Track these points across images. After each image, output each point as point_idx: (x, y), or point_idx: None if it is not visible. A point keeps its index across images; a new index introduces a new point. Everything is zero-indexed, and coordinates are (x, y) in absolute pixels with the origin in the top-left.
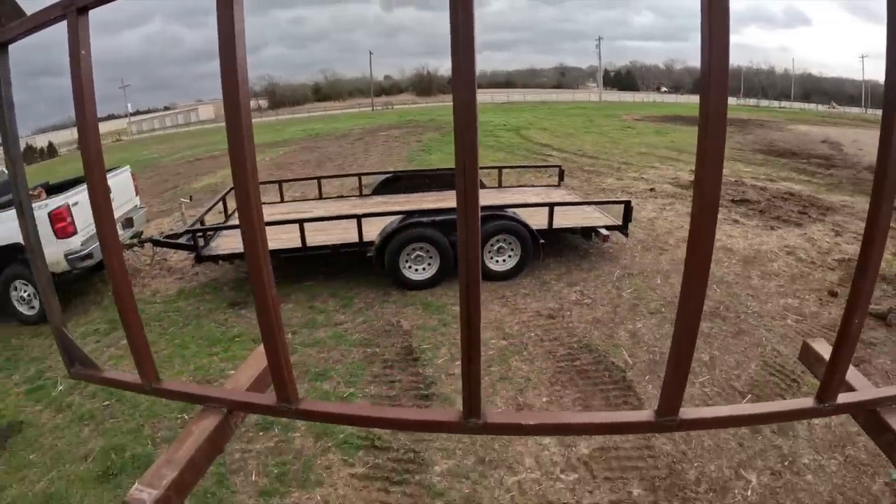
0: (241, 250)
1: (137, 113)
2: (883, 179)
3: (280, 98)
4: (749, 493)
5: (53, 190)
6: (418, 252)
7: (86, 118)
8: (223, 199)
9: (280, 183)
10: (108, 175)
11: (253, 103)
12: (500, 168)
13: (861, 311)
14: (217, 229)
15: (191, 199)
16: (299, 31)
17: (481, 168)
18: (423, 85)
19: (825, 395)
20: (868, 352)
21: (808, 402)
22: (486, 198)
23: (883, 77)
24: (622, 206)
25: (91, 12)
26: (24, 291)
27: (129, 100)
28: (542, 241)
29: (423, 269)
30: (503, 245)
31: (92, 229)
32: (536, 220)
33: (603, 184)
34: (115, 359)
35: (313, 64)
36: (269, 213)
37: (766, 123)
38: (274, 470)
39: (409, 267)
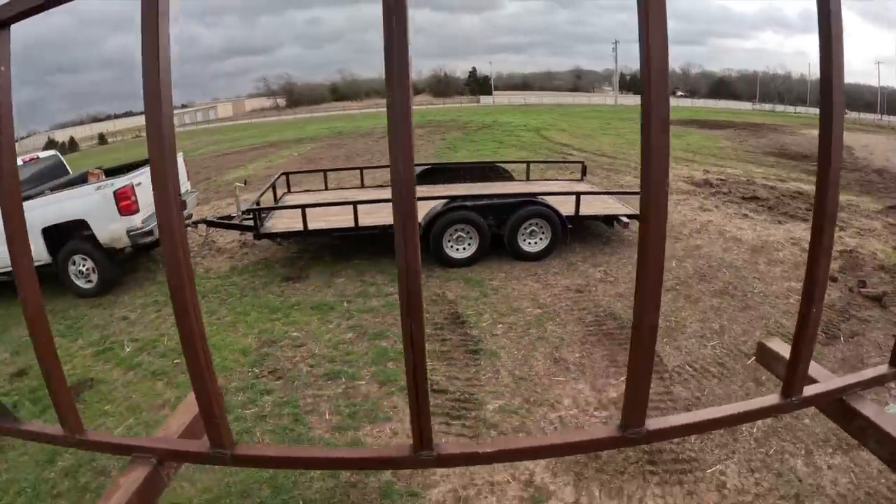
0: (297, 228)
1: None
2: (827, 169)
3: (298, 97)
4: (755, 430)
5: (110, 173)
6: (460, 233)
7: (1, 137)
8: (273, 185)
9: (325, 172)
10: None
11: (270, 102)
12: (527, 163)
13: (818, 301)
14: (273, 209)
15: (245, 184)
16: (315, 32)
17: (511, 162)
18: (441, 86)
19: (791, 390)
20: (863, 327)
21: (773, 398)
22: (518, 187)
23: None
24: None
25: (95, 15)
26: (83, 265)
27: None
28: (570, 226)
29: (464, 248)
30: (535, 229)
31: (152, 208)
32: (564, 209)
33: (622, 181)
34: None
35: (329, 64)
36: (317, 198)
37: (780, 128)
38: (345, 410)
39: (452, 246)
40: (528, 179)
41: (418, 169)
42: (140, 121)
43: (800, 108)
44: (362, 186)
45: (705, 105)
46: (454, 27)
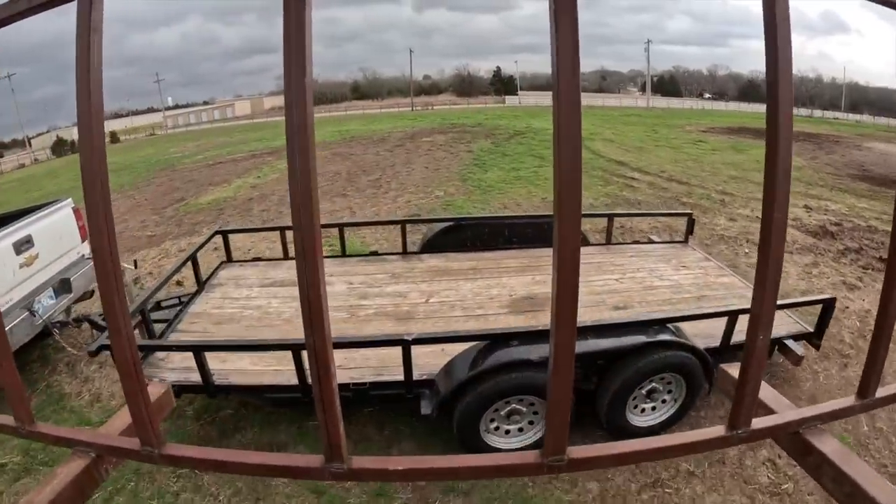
0: (195, 380)
1: (177, 107)
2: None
3: (319, 95)
4: None
5: None
6: (515, 405)
7: None
8: (193, 256)
9: (282, 231)
10: (37, 214)
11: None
12: (609, 216)
13: (764, 327)
14: (152, 349)
15: (136, 267)
16: (332, 31)
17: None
18: (464, 86)
19: (737, 422)
20: None
21: (719, 430)
22: (603, 268)
23: None
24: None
25: (115, 14)
26: None
27: (171, 94)
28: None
29: (520, 430)
30: (657, 386)
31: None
32: (696, 329)
33: (716, 227)
34: None
35: (349, 63)
36: (265, 279)
37: (840, 139)
38: None
39: (496, 428)
40: (609, 243)
41: (439, 225)
42: (152, 118)
43: (839, 115)
44: (343, 254)
45: (739, 109)
46: (472, 27)
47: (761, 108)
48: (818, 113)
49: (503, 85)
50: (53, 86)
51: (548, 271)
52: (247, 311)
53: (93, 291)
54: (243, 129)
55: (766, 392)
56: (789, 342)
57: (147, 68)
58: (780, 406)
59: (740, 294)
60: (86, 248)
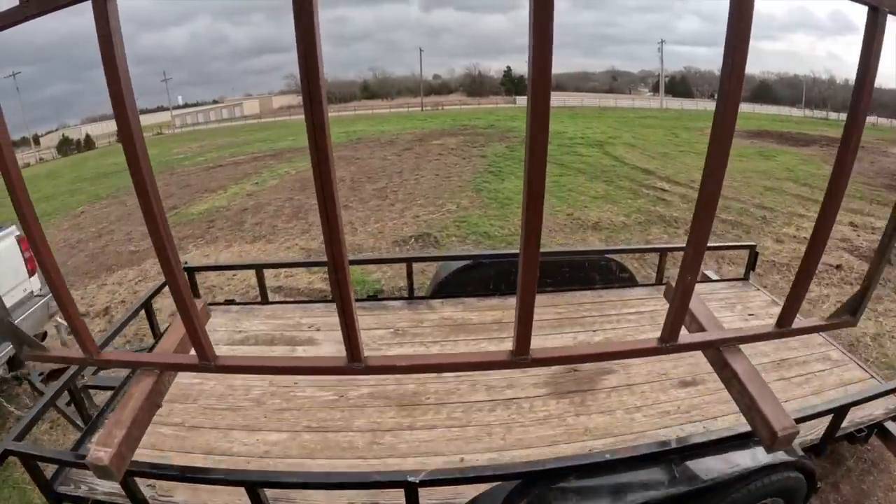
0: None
1: (186, 106)
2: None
3: (328, 95)
4: None
5: None
6: None
7: None
8: (147, 304)
9: (259, 270)
10: None
11: (299, 99)
12: (661, 251)
13: (693, 272)
14: (64, 464)
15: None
16: (341, 30)
17: (624, 251)
18: (475, 86)
19: (667, 336)
20: None
21: (652, 342)
22: (658, 320)
23: None
24: None
25: (125, 13)
26: None
27: (181, 93)
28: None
29: None
30: None
31: None
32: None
33: (764, 251)
34: None
35: (358, 63)
36: (236, 331)
37: (863, 145)
38: None
39: None
40: (659, 282)
41: (453, 266)
42: (161, 117)
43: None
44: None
45: (754, 111)
46: (480, 27)
47: (776, 110)
48: (833, 115)
49: (513, 85)
50: (63, 84)
51: (595, 327)
52: (208, 382)
53: (45, 334)
54: (250, 129)
55: (704, 312)
56: (888, 424)
57: (157, 67)
58: (710, 326)
59: (823, 355)
60: (34, 284)
